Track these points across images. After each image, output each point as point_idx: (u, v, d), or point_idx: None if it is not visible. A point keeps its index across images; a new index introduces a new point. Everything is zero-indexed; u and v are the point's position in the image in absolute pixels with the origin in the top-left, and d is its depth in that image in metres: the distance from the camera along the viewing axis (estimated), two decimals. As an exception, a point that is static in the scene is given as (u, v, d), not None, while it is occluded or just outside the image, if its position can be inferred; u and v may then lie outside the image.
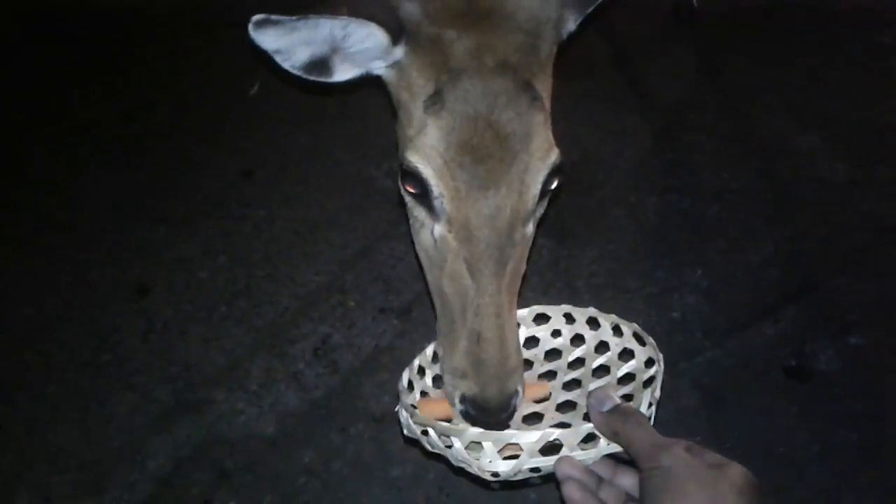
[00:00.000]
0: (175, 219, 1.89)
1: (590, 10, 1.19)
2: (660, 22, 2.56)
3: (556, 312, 1.18)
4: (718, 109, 2.17)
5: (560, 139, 1.88)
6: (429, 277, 1.14)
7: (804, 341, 1.51)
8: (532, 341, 1.21)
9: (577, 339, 1.19)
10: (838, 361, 1.47)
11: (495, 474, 0.86)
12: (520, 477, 0.87)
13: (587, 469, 0.85)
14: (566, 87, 2.14)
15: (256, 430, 1.42)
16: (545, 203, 1.12)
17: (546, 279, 1.66)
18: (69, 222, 1.90)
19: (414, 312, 1.61)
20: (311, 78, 1.14)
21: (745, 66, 2.33)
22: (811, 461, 1.33)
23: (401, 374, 1.09)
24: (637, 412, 0.84)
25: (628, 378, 1.09)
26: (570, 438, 0.83)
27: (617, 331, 1.13)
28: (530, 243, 1.11)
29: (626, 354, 1.12)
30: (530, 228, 1.09)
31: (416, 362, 1.13)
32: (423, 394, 1.11)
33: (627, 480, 0.87)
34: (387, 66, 1.14)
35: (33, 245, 1.85)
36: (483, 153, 1.01)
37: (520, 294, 1.13)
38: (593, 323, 1.16)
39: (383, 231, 1.81)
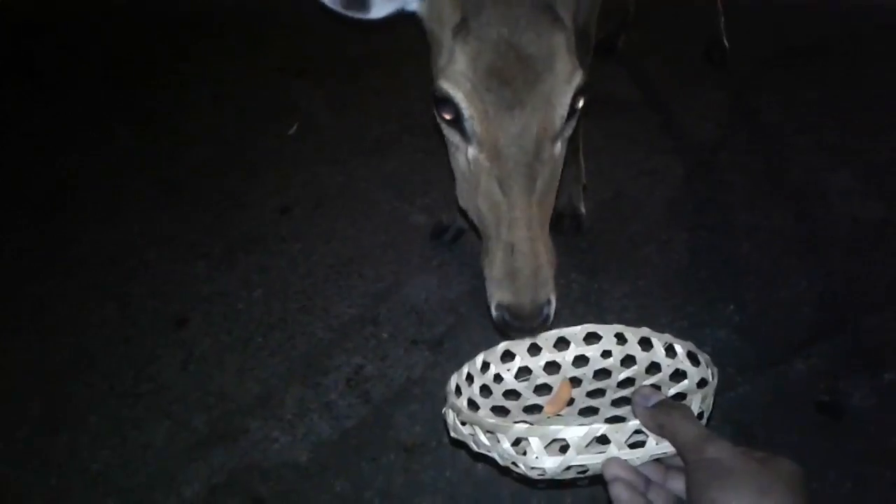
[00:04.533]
0: (215, 253, 1.95)
1: None
2: (692, 63, 2.59)
3: (607, 332, 1.17)
4: (750, 149, 2.18)
5: (592, 176, 1.94)
6: (466, 199, 1.21)
7: (837, 377, 1.50)
8: (581, 360, 1.20)
9: (629, 360, 1.17)
10: (872, 398, 1.45)
11: (542, 472, 0.86)
12: (567, 476, 0.86)
13: (636, 470, 0.84)
14: (599, 127, 2.20)
15: (289, 458, 1.44)
16: (573, 123, 1.17)
17: (577, 313, 1.67)
18: (113, 256, 1.97)
19: (445, 344, 1.62)
20: (349, 14, 1.23)
21: (777, 107, 2.34)
22: (844, 498, 1.31)
23: (438, 397, 1.11)
24: (683, 405, 0.82)
25: (679, 398, 1.07)
26: (617, 435, 0.83)
27: (670, 350, 1.11)
28: (560, 163, 1.18)
29: (679, 375, 1.09)
30: (558, 148, 1.16)
31: (466, 369, 1.12)
32: (470, 401, 1.10)
33: (678, 484, 0.84)
34: (420, 1, 1.22)
35: (78, 278, 1.92)
36: (508, 75, 1.06)
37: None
38: (646, 343, 1.15)
39: (416, 265, 1.84)
